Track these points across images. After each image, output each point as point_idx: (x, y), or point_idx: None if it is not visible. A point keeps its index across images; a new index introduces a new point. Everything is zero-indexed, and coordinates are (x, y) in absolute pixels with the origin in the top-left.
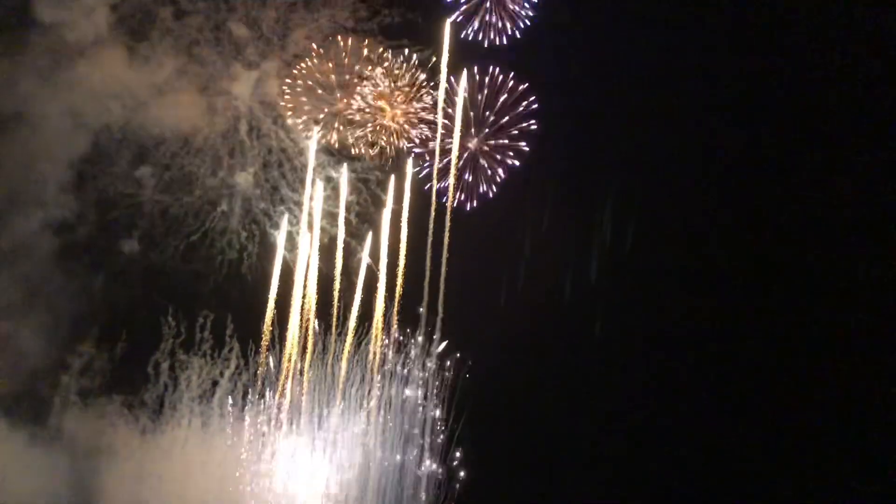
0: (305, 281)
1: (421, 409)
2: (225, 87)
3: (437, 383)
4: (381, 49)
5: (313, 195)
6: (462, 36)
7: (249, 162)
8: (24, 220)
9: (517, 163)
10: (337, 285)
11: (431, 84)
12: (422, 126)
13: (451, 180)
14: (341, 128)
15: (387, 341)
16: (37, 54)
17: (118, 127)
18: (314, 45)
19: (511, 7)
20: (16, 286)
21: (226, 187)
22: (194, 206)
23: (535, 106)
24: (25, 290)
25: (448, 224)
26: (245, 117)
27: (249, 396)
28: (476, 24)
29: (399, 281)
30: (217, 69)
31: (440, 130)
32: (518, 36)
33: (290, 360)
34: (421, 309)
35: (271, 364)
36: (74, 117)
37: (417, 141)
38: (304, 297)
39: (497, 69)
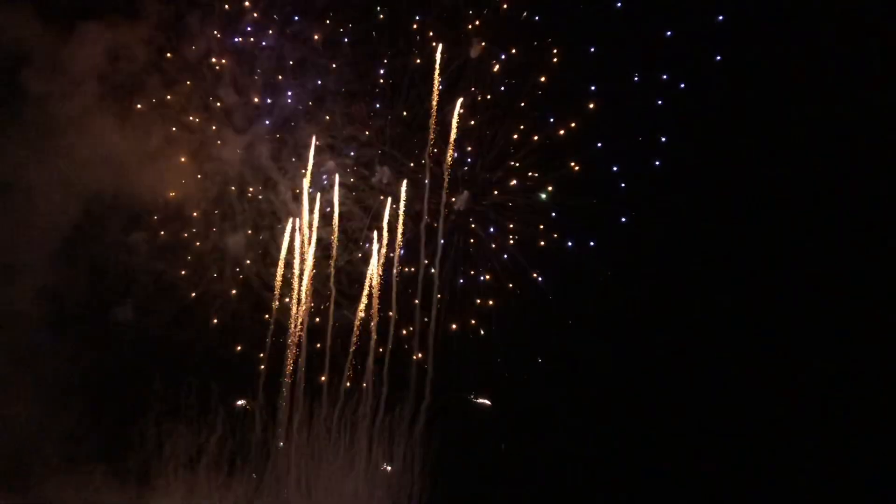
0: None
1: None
2: (214, 153)
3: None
4: None
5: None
6: None
7: (240, 225)
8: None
9: None
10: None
11: None
12: None
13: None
14: None
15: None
16: (25, 124)
17: (108, 195)
18: None
19: None
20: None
21: (217, 252)
22: (186, 273)
23: None
24: (11, 357)
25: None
26: (234, 182)
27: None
28: None
29: None
30: (206, 136)
31: None
32: None
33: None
34: None
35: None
36: (63, 186)
37: None
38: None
39: None
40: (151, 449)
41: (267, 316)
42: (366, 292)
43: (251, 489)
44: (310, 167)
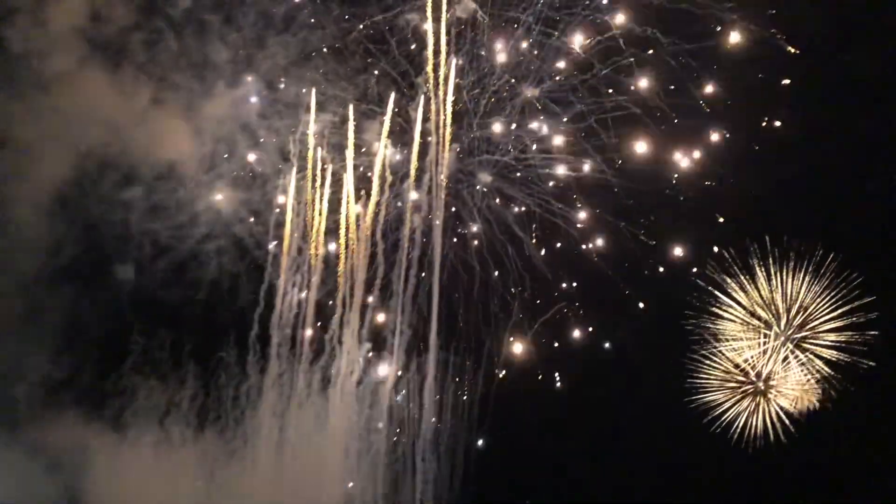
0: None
1: None
2: (203, 110)
3: None
4: None
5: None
6: None
7: (231, 183)
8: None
9: None
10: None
11: None
12: None
13: None
14: None
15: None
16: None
17: (100, 152)
18: None
19: None
20: None
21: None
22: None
23: None
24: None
25: None
26: (225, 139)
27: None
28: None
29: None
30: (194, 92)
31: None
32: None
33: None
34: None
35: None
36: (53, 143)
37: None
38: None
39: None
40: (126, 401)
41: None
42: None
43: (221, 445)
44: (312, 115)
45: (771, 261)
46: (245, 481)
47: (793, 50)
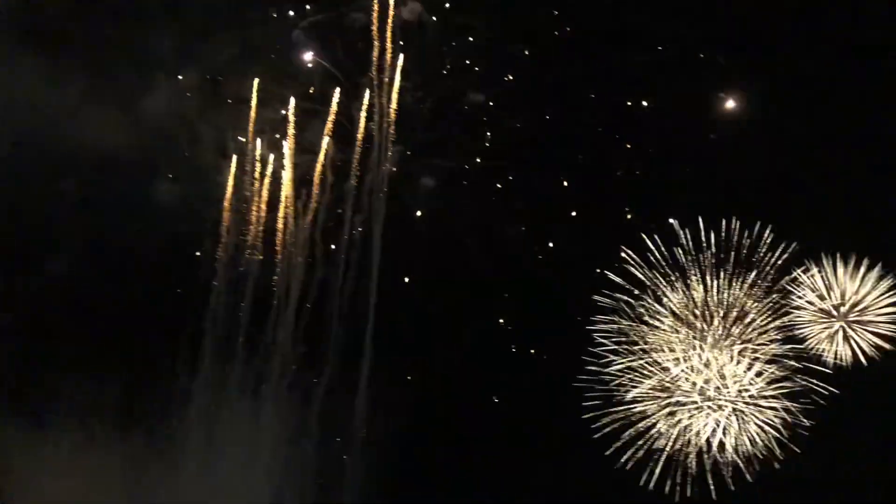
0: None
1: None
2: (141, 101)
3: None
4: None
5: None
6: None
7: (169, 176)
8: None
9: None
10: None
11: None
12: None
13: None
14: None
15: None
16: None
17: (31, 141)
18: None
19: None
20: None
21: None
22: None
23: None
24: None
25: None
26: (166, 131)
27: None
28: None
29: None
30: (133, 83)
31: None
32: None
33: None
34: None
35: None
36: None
37: None
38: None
39: None
40: (50, 396)
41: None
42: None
43: (146, 446)
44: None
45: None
46: (171, 482)
47: None
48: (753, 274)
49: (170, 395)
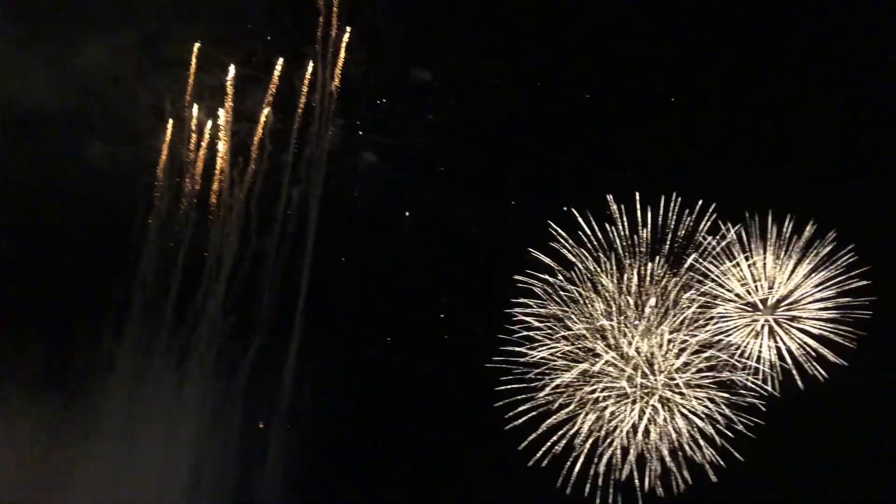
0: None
1: None
2: (75, 58)
3: None
4: None
5: None
6: None
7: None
8: None
9: None
10: None
11: None
12: None
13: None
14: None
15: None
16: None
17: None
18: None
19: None
20: None
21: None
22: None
23: None
24: None
25: None
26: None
27: None
28: None
29: None
30: (67, 38)
31: None
32: None
33: None
34: None
35: None
36: None
37: None
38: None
39: None
40: None
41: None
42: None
43: (64, 412)
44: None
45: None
46: (88, 451)
47: None
48: (689, 261)
49: (92, 362)
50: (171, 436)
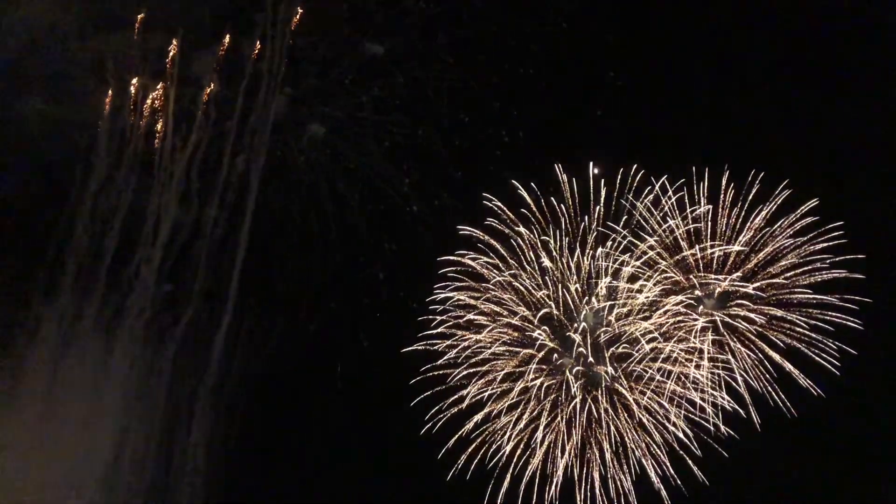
0: None
1: None
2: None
3: None
4: None
5: None
6: None
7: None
8: None
9: None
10: None
11: None
12: None
13: None
14: None
15: None
16: None
17: None
18: None
19: None
20: None
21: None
22: None
23: None
24: None
25: None
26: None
27: None
28: None
29: None
30: None
31: None
32: None
33: None
34: None
35: None
36: None
37: None
38: None
39: None
40: None
41: None
42: None
43: None
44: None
45: None
46: (10, 415)
47: None
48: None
49: (19, 324)
50: (95, 402)
